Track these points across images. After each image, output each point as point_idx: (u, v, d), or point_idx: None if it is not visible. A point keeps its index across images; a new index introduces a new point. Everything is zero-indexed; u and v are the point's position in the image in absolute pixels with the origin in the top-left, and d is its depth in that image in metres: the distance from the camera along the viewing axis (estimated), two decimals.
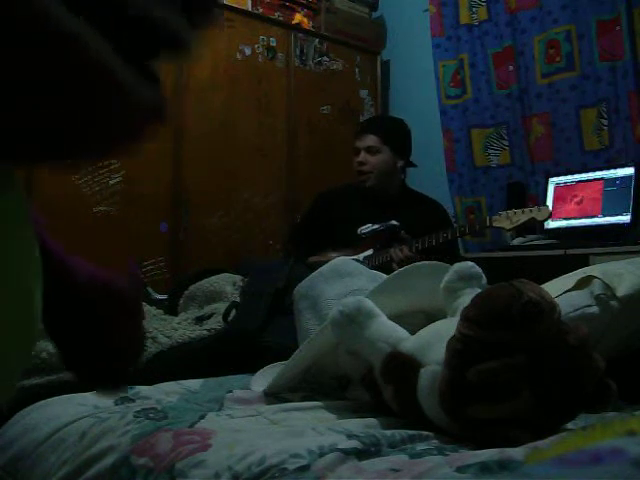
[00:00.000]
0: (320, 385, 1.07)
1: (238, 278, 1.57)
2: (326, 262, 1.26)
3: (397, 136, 2.53)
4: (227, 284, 1.54)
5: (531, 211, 1.98)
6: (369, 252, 2.32)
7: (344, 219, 2.45)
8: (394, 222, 2.40)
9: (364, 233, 2.40)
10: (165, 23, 0.36)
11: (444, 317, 0.94)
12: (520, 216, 1.97)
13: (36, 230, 0.39)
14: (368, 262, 2.24)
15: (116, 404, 1.00)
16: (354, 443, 0.72)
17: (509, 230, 2.02)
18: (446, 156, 3.16)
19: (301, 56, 3.11)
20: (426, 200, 2.59)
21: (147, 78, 0.37)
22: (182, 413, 0.92)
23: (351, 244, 2.38)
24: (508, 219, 1.99)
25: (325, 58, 3.20)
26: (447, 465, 0.62)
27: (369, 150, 2.44)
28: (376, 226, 2.39)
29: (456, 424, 0.76)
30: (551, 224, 2.58)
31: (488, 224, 2.06)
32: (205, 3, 0.41)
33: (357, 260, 1.81)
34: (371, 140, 2.46)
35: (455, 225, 2.45)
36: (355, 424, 0.83)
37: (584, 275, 1.09)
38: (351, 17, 3.39)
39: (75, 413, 0.95)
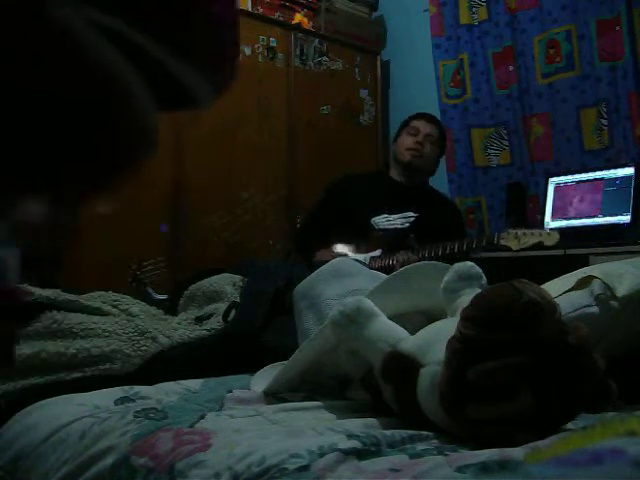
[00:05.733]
0: (320, 385, 1.07)
1: (238, 278, 1.57)
2: (328, 261, 1.26)
3: (445, 144, 2.65)
4: (227, 284, 1.53)
5: (540, 234, 1.98)
6: (377, 252, 2.33)
7: (362, 205, 2.46)
8: (411, 213, 2.42)
9: (377, 223, 2.42)
10: (187, 81, 0.39)
11: (444, 317, 0.94)
12: (529, 238, 1.98)
13: None
14: (373, 262, 2.25)
15: (116, 404, 1.00)
16: (354, 443, 0.71)
17: (516, 251, 2.02)
18: (446, 156, 3.16)
19: (301, 56, 3.11)
20: (445, 200, 2.65)
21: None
22: (182, 413, 0.91)
23: (365, 234, 2.40)
24: (516, 239, 2.00)
25: (325, 58, 3.20)
26: (447, 465, 0.62)
27: (429, 137, 2.51)
28: (392, 217, 2.41)
29: (456, 424, 0.76)
30: (551, 224, 2.58)
31: (496, 242, 2.06)
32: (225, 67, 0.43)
33: (360, 260, 1.81)
34: (434, 131, 2.53)
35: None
36: (355, 424, 0.83)
37: (584, 275, 1.09)
38: (351, 17, 3.39)
39: (75, 413, 0.95)
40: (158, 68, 0.36)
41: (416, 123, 2.52)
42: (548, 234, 1.97)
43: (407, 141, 2.49)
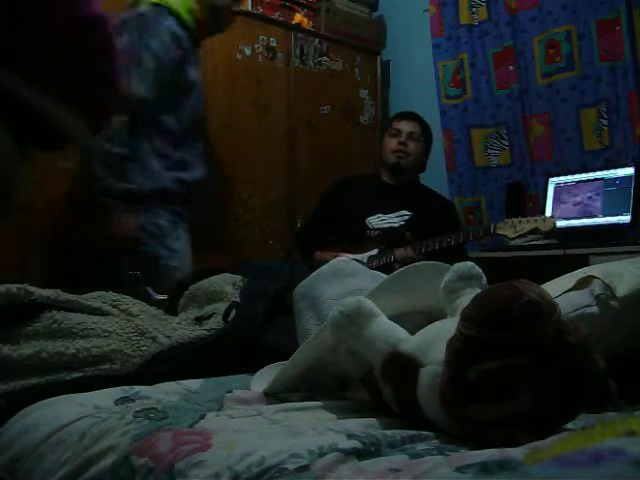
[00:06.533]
0: (320, 385, 1.07)
1: (238, 278, 1.57)
2: (327, 261, 1.26)
3: (431, 136, 2.64)
4: (227, 284, 1.53)
5: (536, 220, 1.98)
6: (374, 252, 2.34)
7: (357, 207, 2.48)
8: (405, 212, 2.43)
9: (372, 223, 2.43)
10: (64, 125, 0.40)
11: (444, 317, 0.94)
12: (524, 225, 1.98)
13: None
14: (372, 262, 2.26)
15: (116, 404, 1.00)
16: (354, 443, 0.71)
17: (512, 239, 2.02)
18: (446, 156, 3.16)
19: (301, 56, 3.11)
20: (438, 197, 2.65)
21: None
22: (182, 413, 0.91)
23: (360, 235, 2.42)
24: (512, 227, 2.00)
25: (325, 58, 3.21)
26: (447, 465, 0.62)
27: (411, 135, 2.54)
28: (386, 217, 2.42)
29: (456, 424, 0.76)
30: None
31: (492, 231, 2.06)
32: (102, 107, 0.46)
33: (359, 260, 1.81)
34: (416, 127, 2.56)
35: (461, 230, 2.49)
36: (355, 424, 0.83)
37: (584, 275, 1.09)
38: (351, 17, 3.39)
39: (75, 413, 0.95)
40: (33, 113, 0.37)
41: (397, 124, 2.56)
42: (543, 220, 1.97)
43: (391, 143, 2.53)
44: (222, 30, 2.40)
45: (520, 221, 2.00)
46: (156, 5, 2.13)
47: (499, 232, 2.03)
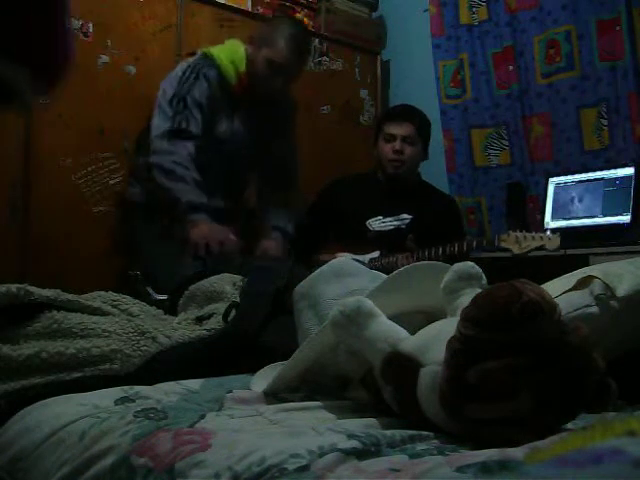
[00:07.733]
0: (320, 385, 1.07)
1: (238, 278, 1.57)
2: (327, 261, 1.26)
3: (428, 132, 2.56)
4: (227, 284, 1.53)
5: (542, 238, 1.97)
6: (375, 254, 2.33)
7: (356, 208, 2.46)
8: (406, 215, 2.41)
9: (372, 225, 2.41)
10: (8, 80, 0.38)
11: (444, 317, 0.94)
12: (530, 242, 1.97)
13: None
14: (373, 263, 2.25)
15: (116, 404, 1.00)
16: (354, 443, 0.72)
17: (517, 255, 2.01)
18: (446, 156, 3.16)
19: None
20: (440, 195, 2.62)
21: None
22: (182, 413, 0.91)
23: (360, 237, 2.39)
24: (517, 243, 1.98)
25: (325, 58, 3.20)
26: (447, 465, 0.62)
27: (406, 139, 2.45)
28: (387, 220, 2.41)
29: (456, 424, 0.76)
30: (551, 224, 2.58)
31: (496, 244, 2.05)
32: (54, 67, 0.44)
33: (360, 260, 1.81)
34: (410, 129, 2.46)
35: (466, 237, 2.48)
36: (355, 424, 0.83)
37: (584, 275, 1.09)
38: (351, 17, 3.39)
39: (75, 413, 0.95)
40: None
41: (390, 128, 2.47)
42: (549, 238, 1.96)
43: (386, 150, 2.44)
44: (261, 89, 2.33)
45: (525, 237, 1.99)
46: (205, 56, 2.29)
47: (504, 245, 2.02)
